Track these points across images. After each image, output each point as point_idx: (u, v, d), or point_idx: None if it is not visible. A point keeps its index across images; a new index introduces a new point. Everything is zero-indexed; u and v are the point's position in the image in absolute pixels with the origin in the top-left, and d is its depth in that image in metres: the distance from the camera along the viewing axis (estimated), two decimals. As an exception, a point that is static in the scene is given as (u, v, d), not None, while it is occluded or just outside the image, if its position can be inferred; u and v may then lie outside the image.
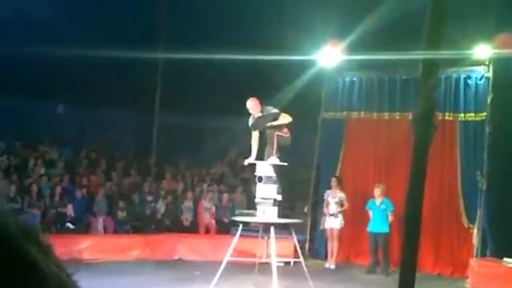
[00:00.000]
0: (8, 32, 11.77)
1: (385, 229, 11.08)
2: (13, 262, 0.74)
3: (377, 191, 11.29)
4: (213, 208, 13.35)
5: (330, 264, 11.54)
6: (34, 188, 12.05)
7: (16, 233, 0.75)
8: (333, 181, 11.88)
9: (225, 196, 13.87)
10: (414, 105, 7.77)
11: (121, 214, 12.70)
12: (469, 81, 11.41)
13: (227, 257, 9.04)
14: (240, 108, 14.18)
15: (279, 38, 10.86)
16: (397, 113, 12.01)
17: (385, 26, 9.79)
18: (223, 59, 10.82)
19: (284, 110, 13.22)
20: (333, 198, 11.74)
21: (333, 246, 11.64)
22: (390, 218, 11.07)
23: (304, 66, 12.09)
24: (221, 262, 9.34)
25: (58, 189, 12.31)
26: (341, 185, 11.87)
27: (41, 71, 13.19)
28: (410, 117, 8.73)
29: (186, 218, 13.27)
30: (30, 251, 0.75)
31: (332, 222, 11.68)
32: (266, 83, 12.92)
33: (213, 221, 13.25)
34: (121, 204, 12.76)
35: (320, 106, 12.96)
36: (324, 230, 11.97)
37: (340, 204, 11.69)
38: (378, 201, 11.32)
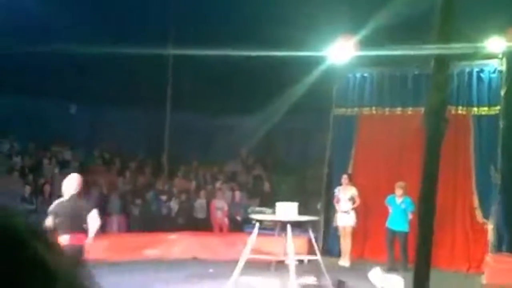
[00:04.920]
0: (19, 32, 11.84)
1: (405, 228, 10.92)
2: (22, 261, 0.74)
3: (399, 191, 11.05)
4: (226, 207, 13.36)
5: (345, 261, 11.49)
6: (48, 188, 12.12)
7: (25, 232, 0.76)
8: (344, 178, 11.80)
9: (238, 194, 13.87)
10: (426, 100, 7.73)
11: (135, 213, 12.75)
12: (482, 75, 11.31)
13: (246, 255, 9.05)
14: (251, 105, 14.24)
15: (290, 34, 10.83)
16: (410, 108, 11.92)
17: (396, 21, 9.73)
18: (234, 56, 10.81)
19: (296, 107, 13.29)
20: (344, 195, 11.67)
21: (346, 243, 11.58)
22: (410, 217, 10.91)
23: (315, 62, 12.06)
24: (235, 260, 9.35)
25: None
26: (352, 182, 11.80)
27: (52, 71, 13.29)
28: (422, 112, 8.67)
29: (199, 216, 13.30)
30: (38, 250, 0.76)
31: (345, 220, 11.61)
32: (277, 80, 12.91)
33: (226, 219, 13.27)
34: (135, 203, 12.81)
35: (331, 102, 12.91)
36: (336, 228, 11.91)
37: (352, 200, 11.62)
38: (399, 199, 11.17)
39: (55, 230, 6.33)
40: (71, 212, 6.59)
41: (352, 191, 11.66)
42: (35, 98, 13.93)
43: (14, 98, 13.64)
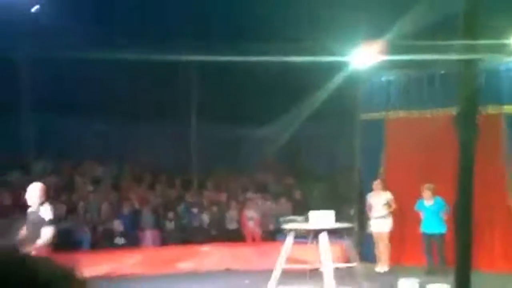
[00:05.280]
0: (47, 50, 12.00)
1: (440, 229, 10.82)
2: None
3: (427, 193, 11.01)
4: (257, 216, 13.35)
5: (381, 267, 11.37)
6: (82, 206, 12.28)
7: (58, 277, 0.81)
8: (376, 184, 11.73)
9: (269, 203, 13.87)
10: (456, 102, 7.65)
11: (168, 227, 12.83)
12: (510, 72, 11.17)
13: (281, 265, 9.06)
14: (275, 112, 14.25)
15: (313, 39, 10.82)
16: (439, 109, 11.79)
17: (421, 24, 9.69)
18: (257, 63, 10.80)
19: (320, 113, 13.25)
20: (378, 200, 11.59)
21: (382, 249, 11.46)
22: (445, 217, 10.80)
23: (339, 67, 12.02)
24: (268, 271, 9.35)
25: (105, 206, 12.52)
26: (384, 187, 11.72)
27: (79, 87, 13.48)
28: (453, 112, 8.56)
29: (231, 227, 13.33)
30: None
31: (380, 225, 11.52)
32: (301, 86, 12.90)
33: (258, 229, 13.26)
34: (167, 216, 12.89)
35: (356, 107, 12.83)
36: (371, 234, 11.82)
37: (388, 205, 11.53)
38: (429, 201, 11.07)
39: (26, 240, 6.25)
40: (36, 222, 6.46)
41: (387, 195, 11.56)
42: (63, 115, 14.10)
43: (43, 116, 13.82)
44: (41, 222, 6.50)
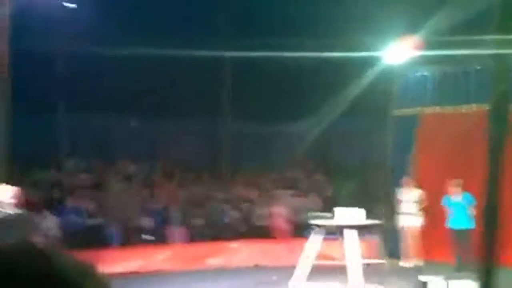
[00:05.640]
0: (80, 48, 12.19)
1: (468, 225, 10.69)
2: None
3: (456, 189, 10.89)
4: (286, 213, 13.31)
5: (409, 263, 11.29)
6: (112, 202, 12.42)
7: (77, 273, 0.78)
8: (406, 180, 11.62)
9: (298, 200, 13.83)
10: (489, 98, 7.46)
11: (197, 223, 12.89)
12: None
13: (306, 261, 9.02)
14: (307, 109, 14.18)
15: (347, 35, 10.71)
16: (474, 105, 11.56)
17: (456, 20, 9.50)
18: (290, 60, 10.72)
19: (353, 108, 13.12)
20: (408, 196, 11.48)
21: (412, 245, 11.36)
22: (474, 212, 10.67)
23: (373, 63, 11.91)
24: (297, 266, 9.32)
25: (135, 202, 12.64)
26: (415, 183, 11.58)
27: (112, 86, 13.66)
28: (487, 108, 8.35)
29: (260, 224, 13.31)
30: None
31: (410, 221, 11.41)
32: (333, 82, 12.81)
33: (287, 226, 13.22)
34: (196, 213, 12.96)
35: (388, 103, 12.69)
36: (401, 229, 11.71)
37: (419, 202, 11.39)
38: (458, 197, 10.95)
39: None
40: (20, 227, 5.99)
41: (417, 192, 11.46)
42: (96, 114, 14.30)
43: (76, 115, 14.04)
44: (22, 227, 6.09)
